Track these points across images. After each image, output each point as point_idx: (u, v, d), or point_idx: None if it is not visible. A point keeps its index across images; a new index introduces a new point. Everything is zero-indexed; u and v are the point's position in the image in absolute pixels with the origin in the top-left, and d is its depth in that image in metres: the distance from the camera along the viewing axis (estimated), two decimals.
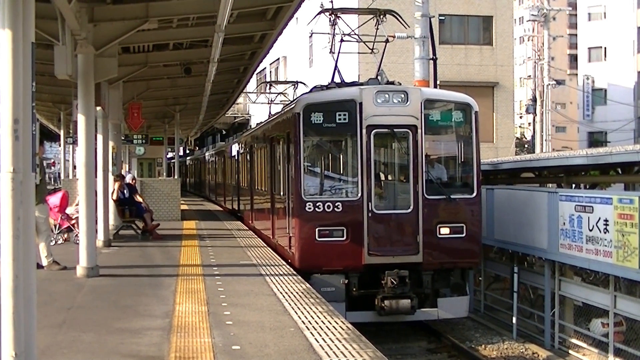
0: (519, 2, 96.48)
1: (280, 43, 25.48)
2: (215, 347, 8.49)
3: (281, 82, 37.18)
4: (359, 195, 15.80)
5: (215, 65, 19.74)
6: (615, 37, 60.86)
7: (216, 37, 15.90)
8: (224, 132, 67.88)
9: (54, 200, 18.98)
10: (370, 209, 15.79)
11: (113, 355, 8.22)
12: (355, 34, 20.41)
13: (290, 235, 16.73)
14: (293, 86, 32.23)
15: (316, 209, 15.71)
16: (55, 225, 18.95)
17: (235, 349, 8.39)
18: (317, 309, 10.73)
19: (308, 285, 13.01)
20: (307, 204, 15.76)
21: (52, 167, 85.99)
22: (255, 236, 21.87)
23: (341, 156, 16.86)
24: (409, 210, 16.01)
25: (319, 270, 15.86)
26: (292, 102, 18.02)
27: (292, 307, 10.81)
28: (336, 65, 18.97)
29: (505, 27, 42.62)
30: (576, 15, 71.07)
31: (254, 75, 36.18)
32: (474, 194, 16.46)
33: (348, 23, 20.29)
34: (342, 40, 19.52)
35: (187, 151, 74.67)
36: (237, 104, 56.03)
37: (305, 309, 10.72)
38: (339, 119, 15.96)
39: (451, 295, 16.63)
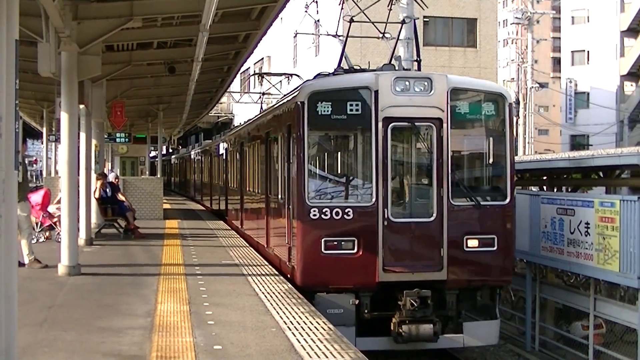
0: (503, 5, 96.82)
1: (265, 43, 25.48)
2: (196, 346, 8.49)
3: (274, 74, 35.92)
4: (373, 200, 13.46)
5: (200, 64, 19.73)
6: (598, 41, 61.15)
7: (200, 36, 15.88)
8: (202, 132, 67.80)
9: (36, 198, 18.92)
10: (386, 216, 13.46)
11: (94, 354, 8.20)
12: (363, 14, 18.93)
13: (290, 245, 14.34)
14: (287, 78, 31.53)
15: (322, 215, 13.35)
16: (37, 223, 18.88)
17: (217, 349, 8.39)
18: (299, 309, 10.75)
19: (290, 285, 13.00)
20: (312, 210, 13.36)
21: (34, 165, 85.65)
22: (238, 236, 21.82)
23: (352, 154, 14.50)
24: (432, 218, 13.68)
25: (324, 288, 13.43)
26: (293, 90, 15.24)
27: (274, 308, 10.82)
28: (344, 49, 16.80)
29: (489, 29, 42.81)
30: (560, 18, 71.40)
31: (238, 75, 36.15)
32: (507, 200, 14.06)
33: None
34: (351, 21, 17.48)
35: (170, 150, 74.51)
36: (221, 103, 56.05)
37: (287, 309, 10.73)
38: (351, 110, 13.63)
39: (479, 319, 14.46)
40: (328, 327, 9.64)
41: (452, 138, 13.82)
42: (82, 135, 18.39)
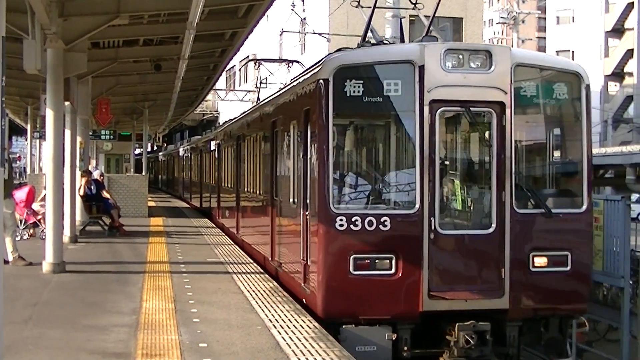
0: (488, 5, 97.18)
1: (250, 41, 25.49)
2: (182, 344, 8.49)
3: (273, 61, 34.43)
4: (417, 206, 10.53)
5: (186, 62, 19.72)
6: (583, 41, 61.54)
7: (187, 34, 15.87)
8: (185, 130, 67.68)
9: (20, 195, 18.83)
10: (433, 227, 10.55)
11: (80, 352, 8.20)
12: None
13: (307, 263, 11.44)
14: (287, 65, 30.99)
15: (351, 226, 10.41)
16: (21, 221, 18.81)
17: (203, 347, 8.40)
18: (284, 307, 10.77)
19: (275, 283, 12.95)
20: (339, 219, 10.41)
21: (18, 162, 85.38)
22: (223, 234, 21.77)
23: (390, 147, 11.38)
24: (491, 230, 10.79)
25: (353, 319, 10.44)
26: (313, 66, 12.18)
27: (259, 305, 10.83)
28: (370, 18, 13.23)
29: (475, 29, 42.93)
30: (545, 18, 71.76)
31: (224, 73, 36.15)
32: (584, 207, 11.12)
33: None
34: None
35: (155, 147, 74.43)
36: (206, 101, 56.00)
37: (272, 307, 10.74)
38: (388, 91, 10.73)
39: (545, 357, 12.06)
40: (313, 325, 9.66)
41: (516, 127, 10.99)
42: (67, 133, 18.35)
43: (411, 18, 39.31)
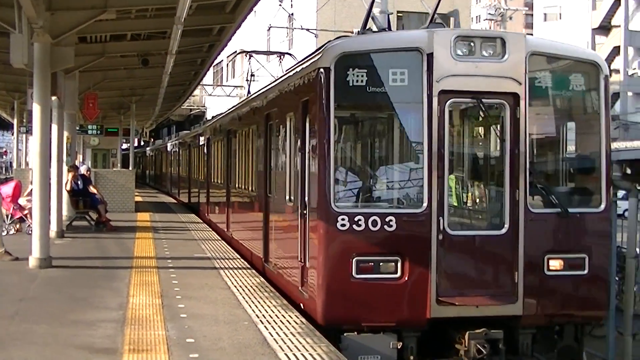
0: (476, 1, 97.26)
1: (237, 36, 25.46)
2: (169, 339, 8.49)
3: (263, 53, 33.82)
4: (424, 205, 9.81)
5: (173, 57, 19.71)
6: (570, 38, 61.71)
7: (175, 29, 15.85)
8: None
9: (7, 190, 18.80)
10: (441, 227, 9.85)
11: (67, 347, 8.18)
12: None
13: (305, 265, 10.70)
14: (278, 57, 30.75)
15: (354, 226, 9.67)
16: (7, 216, 18.76)
17: (190, 342, 8.40)
18: (271, 302, 10.78)
19: (262, 279, 12.94)
20: (340, 219, 9.67)
21: (4, 157, 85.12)
22: (210, 229, 21.73)
23: (395, 141, 10.61)
24: (503, 230, 10.10)
25: (355, 326, 9.78)
26: (313, 53, 11.43)
27: (246, 301, 10.84)
28: (372, 4, 12.63)
29: (463, 25, 42.89)
30: (532, 15, 71.99)
31: (211, 68, 36.13)
32: (603, 206, 10.42)
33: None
34: None
35: (142, 143, 74.36)
36: (194, 96, 55.98)
37: (259, 302, 10.75)
38: (394, 80, 9.96)
39: None
40: (300, 320, 9.67)
41: (531, 120, 10.25)
42: (54, 127, 18.30)
43: (399, 14, 39.50)
